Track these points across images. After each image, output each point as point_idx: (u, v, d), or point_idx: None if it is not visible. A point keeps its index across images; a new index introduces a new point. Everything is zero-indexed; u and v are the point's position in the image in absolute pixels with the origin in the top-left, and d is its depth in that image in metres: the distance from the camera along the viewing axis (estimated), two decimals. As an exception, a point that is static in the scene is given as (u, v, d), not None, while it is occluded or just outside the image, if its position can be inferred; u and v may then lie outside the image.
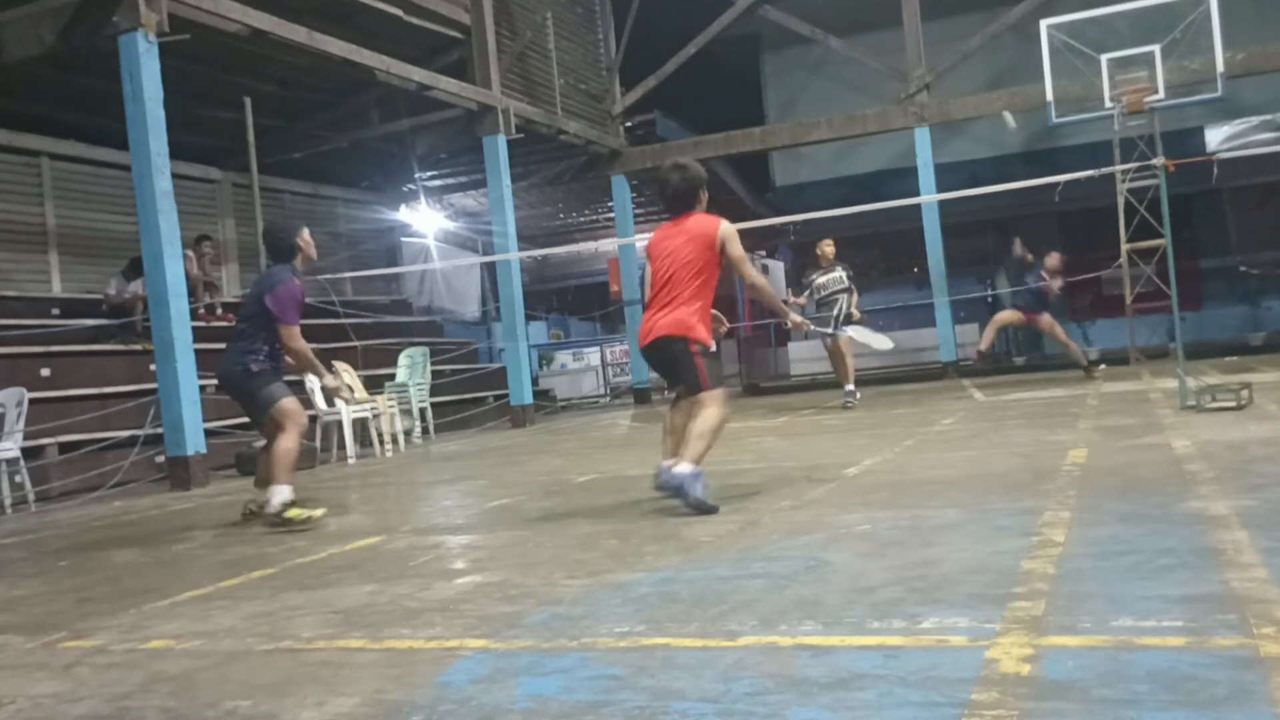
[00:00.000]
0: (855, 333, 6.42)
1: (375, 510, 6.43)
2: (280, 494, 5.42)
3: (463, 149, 15.44)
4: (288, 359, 5.84)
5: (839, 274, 11.08)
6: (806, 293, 11.19)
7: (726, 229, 4.94)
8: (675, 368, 5.04)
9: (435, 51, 13.34)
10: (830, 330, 10.77)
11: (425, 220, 19.86)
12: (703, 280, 4.91)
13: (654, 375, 5.50)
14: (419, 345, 13.76)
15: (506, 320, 14.11)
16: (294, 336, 5.67)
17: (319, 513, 5.51)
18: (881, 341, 6.54)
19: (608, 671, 2.41)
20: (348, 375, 11.06)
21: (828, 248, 11.30)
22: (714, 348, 5.04)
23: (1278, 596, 2.52)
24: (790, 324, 5.47)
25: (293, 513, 5.40)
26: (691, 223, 5.00)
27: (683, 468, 4.67)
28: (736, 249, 4.91)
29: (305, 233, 5.89)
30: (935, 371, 15.89)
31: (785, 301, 7.23)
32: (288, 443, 5.56)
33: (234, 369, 5.70)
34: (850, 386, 11.14)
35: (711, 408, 4.82)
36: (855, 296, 11.13)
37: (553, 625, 2.90)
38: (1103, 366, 12.92)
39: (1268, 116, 17.77)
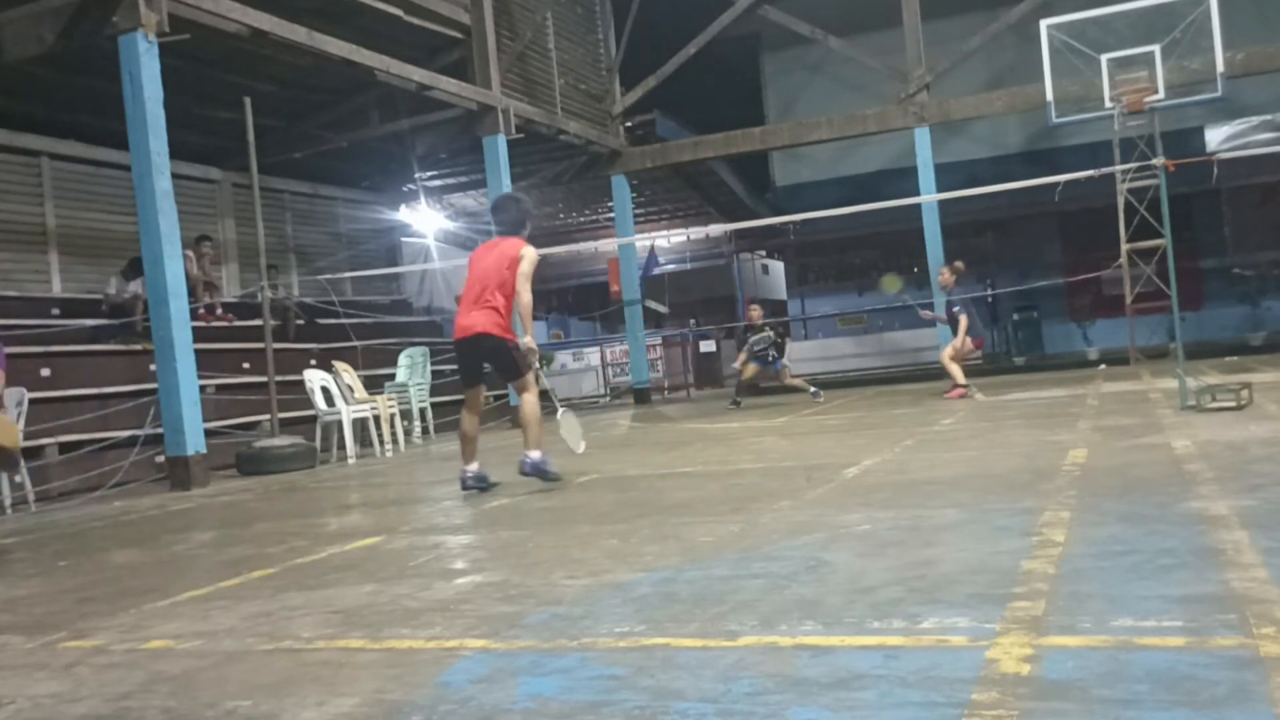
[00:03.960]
0: (563, 421, 6.62)
1: (375, 510, 6.43)
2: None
3: (463, 149, 15.44)
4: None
5: (767, 334, 13.36)
6: (744, 347, 13.54)
7: (528, 252, 5.94)
8: (498, 362, 6.06)
9: (435, 51, 13.34)
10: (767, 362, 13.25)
11: (425, 220, 19.86)
12: (503, 288, 5.89)
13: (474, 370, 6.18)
14: (419, 345, 13.76)
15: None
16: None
17: None
18: (576, 441, 6.75)
19: (608, 671, 2.41)
20: (348, 375, 11.06)
21: (753, 312, 13.78)
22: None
23: (1278, 596, 2.52)
24: (524, 344, 6.14)
25: None
26: (507, 244, 6.04)
27: (534, 454, 5.87)
28: (526, 268, 5.90)
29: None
30: (935, 371, 15.88)
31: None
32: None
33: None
34: (814, 389, 13.17)
35: (528, 394, 6.01)
36: (783, 346, 13.57)
37: (553, 625, 2.89)
38: (1103, 366, 12.92)
39: (1268, 116, 17.79)
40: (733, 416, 11.82)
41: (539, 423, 5.91)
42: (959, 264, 12.12)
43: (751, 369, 13.44)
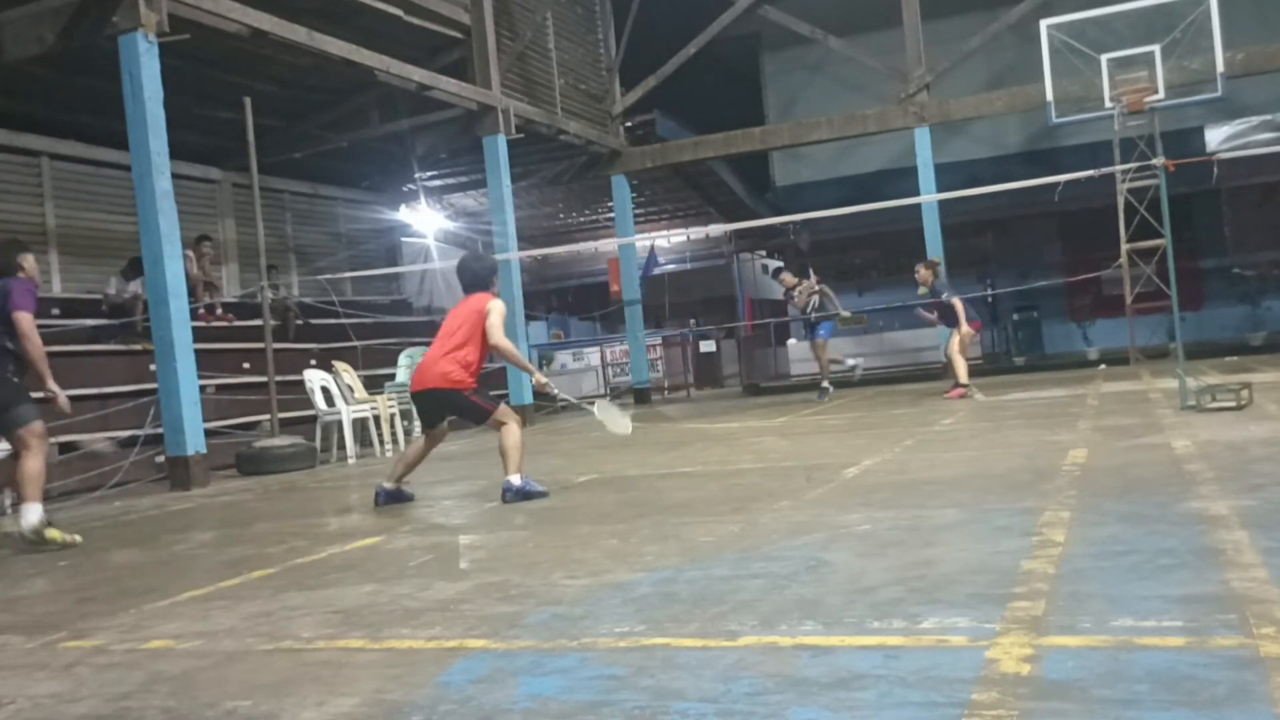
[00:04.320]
0: (598, 413, 6.70)
1: (375, 510, 6.43)
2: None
3: (463, 149, 15.44)
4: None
5: (810, 282, 13.17)
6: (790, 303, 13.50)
7: (494, 305, 6.05)
8: (458, 411, 6.15)
9: (435, 51, 13.33)
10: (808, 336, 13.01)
11: (425, 220, 19.86)
12: (470, 339, 5.98)
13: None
14: (419, 345, 13.75)
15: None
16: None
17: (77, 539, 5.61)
18: (620, 425, 6.85)
19: (608, 671, 2.41)
20: (348, 375, 11.06)
21: (787, 277, 13.66)
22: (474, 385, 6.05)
23: (1278, 596, 2.52)
24: (535, 383, 6.31)
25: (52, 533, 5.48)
26: (475, 299, 6.14)
27: (513, 479, 5.82)
28: (494, 320, 6.00)
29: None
30: (935, 371, 15.89)
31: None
32: None
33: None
34: (825, 384, 13.03)
35: (509, 424, 5.96)
36: (828, 297, 13.11)
37: (553, 625, 2.90)
38: (1103, 366, 12.91)
39: (1268, 116, 17.78)
40: (733, 416, 11.82)
41: (518, 448, 5.87)
42: (935, 260, 12.22)
43: (820, 344, 12.98)
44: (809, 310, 13.14)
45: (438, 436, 6.27)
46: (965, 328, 11.56)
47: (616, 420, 6.69)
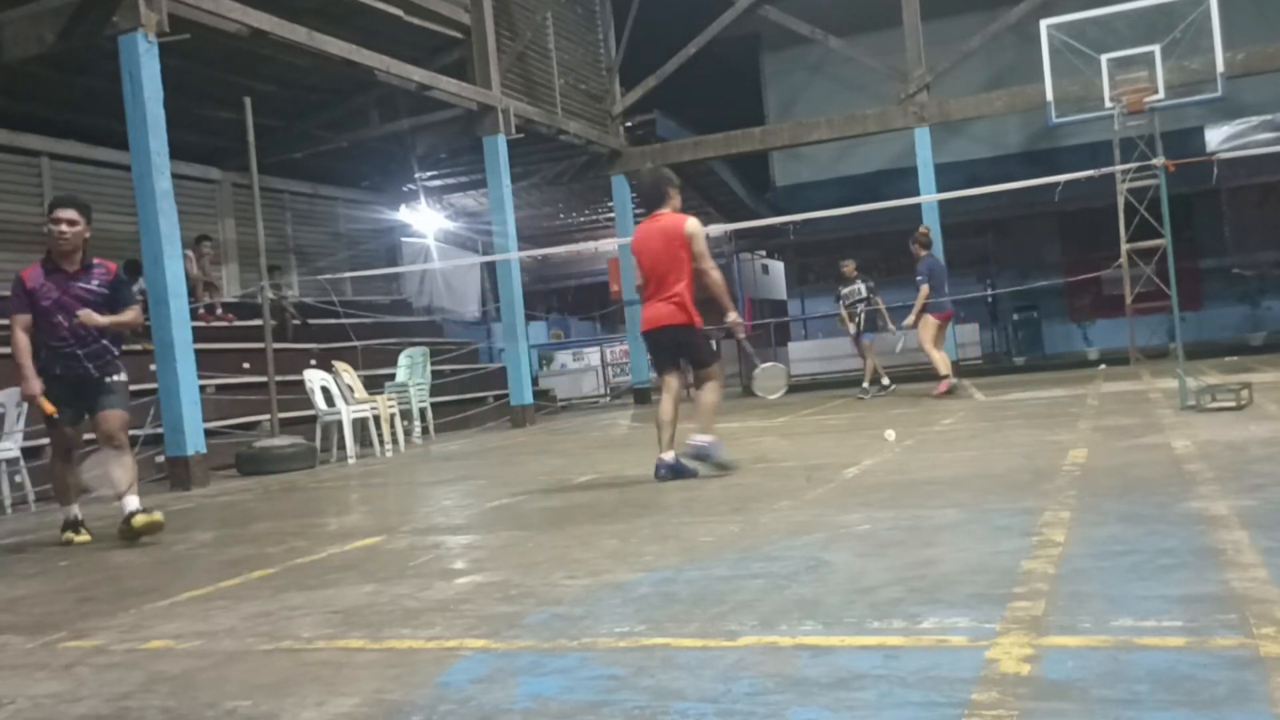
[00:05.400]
0: (764, 371, 6.84)
1: (375, 510, 6.43)
2: None
3: (463, 149, 15.43)
4: None
5: (857, 285, 12.83)
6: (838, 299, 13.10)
7: (693, 227, 5.81)
8: (683, 349, 5.94)
9: (435, 51, 13.34)
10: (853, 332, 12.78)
11: (425, 220, 19.86)
12: (683, 270, 5.79)
13: (652, 373, 6.30)
14: (419, 345, 13.76)
15: (506, 320, 14.11)
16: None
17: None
18: (768, 387, 6.95)
19: (608, 671, 2.41)
20: (348, 375, 11.06)
21: (846, 267, 13.12)
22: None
23: (1278, 596, 2.52)
24: (729, 320, 6.09)
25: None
26: (665, 220, 5.90)
27: (702, 438, 5.71)
28: (699, 245, 5.81)
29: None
30: (934, 372, 15.86)
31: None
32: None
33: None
34: (865, 384, 12.80)
35: (713, 381, 5.92)
36: (879, 304, 12.88)
37: (553, 625, 2.89)
38: (1103, 366, 12.90)
39: (1268, 116, 17.78)
40: (733, 416, 11.81)
41: (714, 410, 5.84)
42: (924, 229, 12.32)
43: (868, 345, 12.66)
44: (855, 308, 12.72)
45: (673, 384, 5.96)
46: (929, 317, 11.50)
47: (773, 381, 6.85)
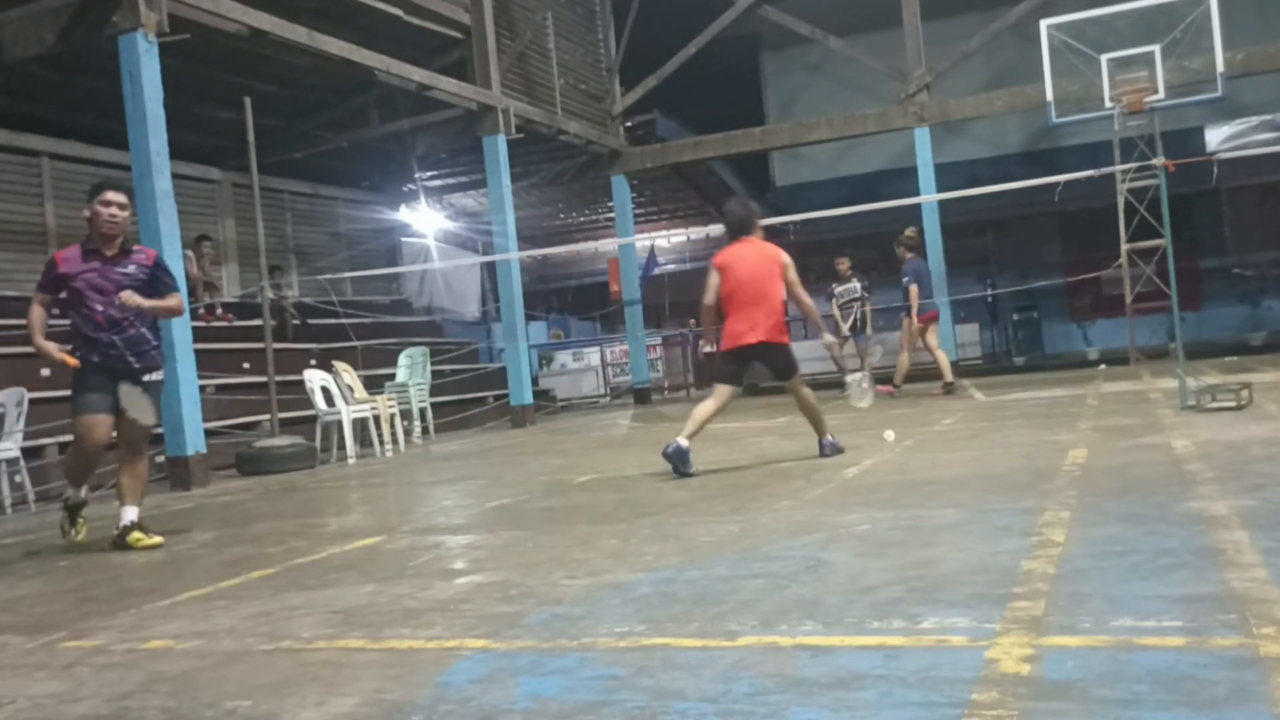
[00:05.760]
0: (856, 382, 7.52)
1: (375, 510, 6.43)
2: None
3: (463, 149, 15.43)
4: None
5: (853, 284, 12.99)
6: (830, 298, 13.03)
7: (788, 258, 6.54)
8: (776, 363, 6.58)
9: (435, 51, 13.33)
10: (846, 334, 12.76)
11: (425, 220, 19.86)
12: (781, 292, 6.48)
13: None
14: (419, 345, 13.76)
15: (506, 320, 14.11)
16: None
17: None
18: (859, 398, 7.54)
19: (608, 671, 2.41)
20: (348, 375, 11.06)
21: (842, 264, 13.25)
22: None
23: (1278, 596, 2.52)
24: (824, 343, 7.16)
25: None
26: (760, 245, 6.56)
27: (828, 438, 6.59)
28: (794, 274, 6.55)
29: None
30: (935, 371, 15.86)
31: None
32: None
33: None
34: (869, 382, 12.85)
35: (805, 389, 6.57)
36: (868, 306, 13.02)
37: (553, 625, 2.90)
38: (1103, 366, 12.90)
39: (1268, 116, 17.78)
40: (733, 416, 11.80)
41: (818, 409, 6.62)
42: (912, 233, 12.36)
43: (862, 347, 12.69)
44: (846, 308, 12.88)
45: (729, 395, 6.40)
46: (914, 318, 11.68)
47: (861, 396, 7.46)
